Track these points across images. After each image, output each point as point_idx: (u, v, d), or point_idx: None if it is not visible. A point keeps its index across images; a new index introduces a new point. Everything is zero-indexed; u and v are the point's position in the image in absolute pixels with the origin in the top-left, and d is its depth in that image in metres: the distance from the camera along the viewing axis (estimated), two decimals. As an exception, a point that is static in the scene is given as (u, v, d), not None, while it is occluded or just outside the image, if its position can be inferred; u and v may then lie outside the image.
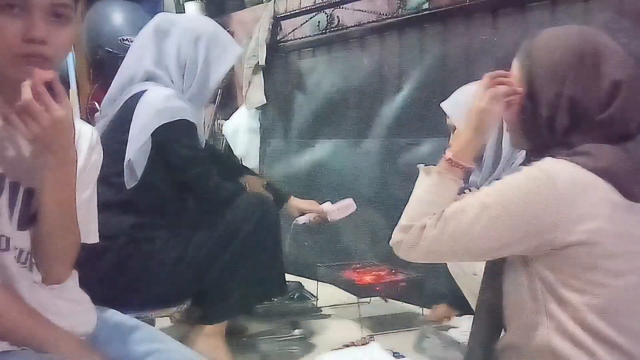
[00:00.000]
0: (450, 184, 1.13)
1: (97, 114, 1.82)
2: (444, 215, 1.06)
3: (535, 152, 1.11)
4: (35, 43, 0.86)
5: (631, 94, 1.04)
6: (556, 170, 1.01)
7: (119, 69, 1.72)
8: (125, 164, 1.56)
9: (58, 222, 0.95)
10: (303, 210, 1.99)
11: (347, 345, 1.80)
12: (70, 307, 1.02)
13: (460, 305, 1.93)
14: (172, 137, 1.60)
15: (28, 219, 0.94)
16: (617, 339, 0.95)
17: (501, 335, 1.13)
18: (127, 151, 1.56)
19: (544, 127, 1.08)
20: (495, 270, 1.11)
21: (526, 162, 1.13)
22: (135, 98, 1.60)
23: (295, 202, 1.98)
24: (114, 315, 1.13)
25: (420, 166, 1.16)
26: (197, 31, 1.70)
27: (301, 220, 1.97)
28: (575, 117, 1.05)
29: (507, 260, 1.08)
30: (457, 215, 1.05)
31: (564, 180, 1.00)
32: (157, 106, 1.57)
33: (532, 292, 1.02)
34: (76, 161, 0.94)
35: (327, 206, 2.02)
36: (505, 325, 1.11)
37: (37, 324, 0.92)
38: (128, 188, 1.58)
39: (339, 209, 2.01)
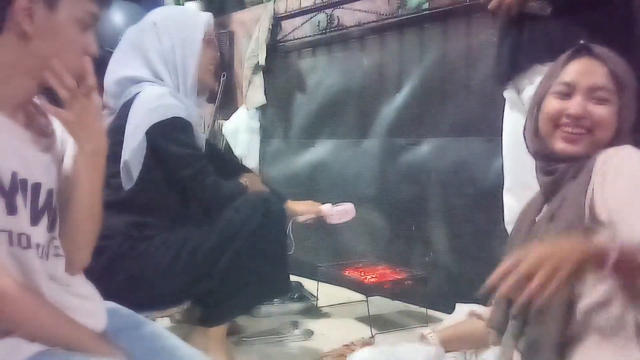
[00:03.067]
0: None
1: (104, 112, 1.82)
2: None
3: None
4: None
5: None
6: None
7: (111, 63, 1.71)
8: (121, 165, 1.56)
9: (89, 207, 1.01)
10: (300, 213, 1.94)
11: (347, 345, 1.79)
12: (81, 304, 1.02)
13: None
14: (165, 135, 1.58)
15: (38, 214, 0.95)
16: None
17: None
18: (122, 152, 1.55)
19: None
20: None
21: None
22: (131, 100, 1.60)
23: (292, 206, 1.92)
24: (120, 310, 1.13)
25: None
26: (158, 27, 1.67)
27: (301, 218, 1.95)
28: None
29: None
30: None
31: None
32: (149, 105, 1.57)
33: None
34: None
35: (327, 208, 1.98)
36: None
37: (65, 324, 0.93)
38: (126, 189, 1.57)
39: (339, 213, 1.98)
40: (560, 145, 1.10)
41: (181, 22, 1.70)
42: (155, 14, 1.73)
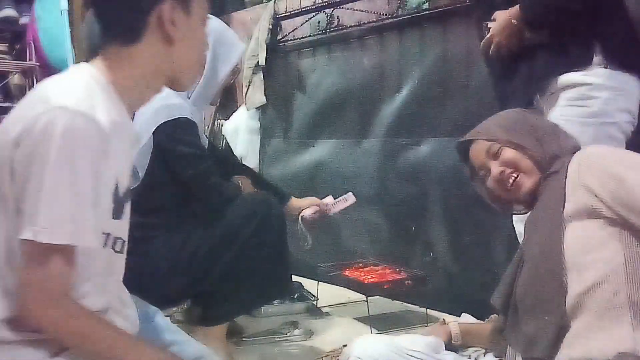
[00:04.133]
0: None
1: None
2: None
3: None
4: None
5: None
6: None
7: None
8: None
9: None
10: (304, 207, 1.95)
11: (347, 345, 1.79)
12: (122, 309, 1.05)
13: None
14: (171, 135, 1.60)
15: (120, 208, 0.99)
16: None
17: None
18: None
19: None
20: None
21: None
22: None
23: (295, 202, 1.95)
24: (138, 301, 1.18)
25: None
26: None
27: (306, 212, 1.93)
28: None
29: None
30: None
31: None
32: (155, 105, 1.57)
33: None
34: None
35: (328, 200, 1.99)
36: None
37: (129, 344, 0.94)
38: (131, 189, 1.57)
39: (340, 202, 2.00)
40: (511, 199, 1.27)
41: (231, 43, 1.75)
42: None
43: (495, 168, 1.24)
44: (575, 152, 1.17)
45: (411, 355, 1.24)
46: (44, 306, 0.86)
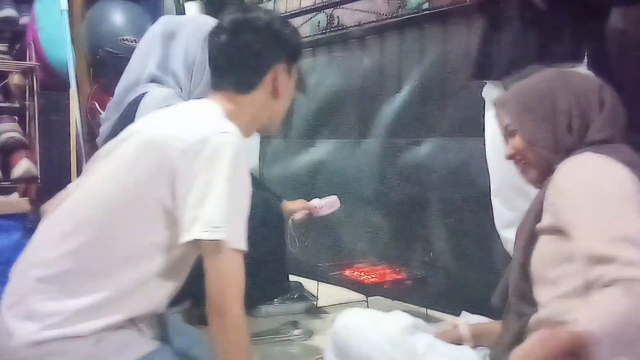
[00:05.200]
0: None
1: (101, 116, 1.82)
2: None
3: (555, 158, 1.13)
4: None
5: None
6: (610, 155, 1.02)
7: (124, 72, 1.72)
8: None
9: None
10: (296, 210, 2.02)
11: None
12: None
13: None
14: None
15: None
16: None
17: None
18: None
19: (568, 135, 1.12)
20: (527, 250, 1.09)
21: None
22: (137, 100, 1.60)
23: (288, 205, 2.00)
24: None
25: None
26: (203, 31, 1.70)
27: (296, 216, 2.00)
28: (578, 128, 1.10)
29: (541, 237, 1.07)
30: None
31: (624, 163, 1.00)
32: (157, 106, 1.57)
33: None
34: None
35: (315, 202, 2.06)
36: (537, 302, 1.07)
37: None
38: None
39: (325, 205, 2.07)
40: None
41: None
42: (206, 23, 1.74)
43: (508, 148, 1.21)
44: (596, 146, 1.08)
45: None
46: (238, 299, 1.04)
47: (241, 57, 1.20)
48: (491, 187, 1.81)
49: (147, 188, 1.05)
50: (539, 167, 1.17)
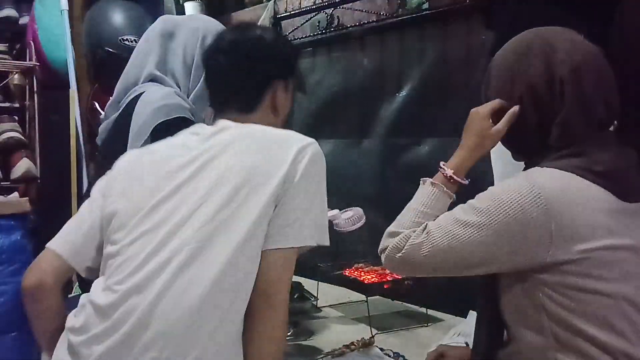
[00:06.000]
0: (443, 198, 1.18)
1: (101, 116, 1.82)
2: (428, 227, 1.05)
3: (529, 165, 1.10)
4: None
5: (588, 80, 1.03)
6: (543, 180, 0.97)
7: (123, 71, 1.72)
8: None
9: None
10: None
11: (347, 346, 1.80)
12: None
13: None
14: (170, 135, 1.59)
15: None
16: (617, 345, 0.93)
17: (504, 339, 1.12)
18: (127, 150, 1.56)
19: (530, 134, 1.10)
20: (490, 282, 1.11)
21: None
22: (135, 99, 1.60)
23: None
24: None
25: (424, 179, 1.22)
26: (202, 31, 1.70)
27: None
28: (542, 113, 1.06)
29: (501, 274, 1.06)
30: (440, 230, 1.05)
31: (550, 191, 0.95)
32: (154, 105, 1.57)
33: (530, 305, 0.99)
34: None
35: (334, 213, 1.95)
36: (508, 331, 1.09)
37: None
38: None
39: (349, 220, 1.95)
40: None
41: None
42: (205, 23, 1.75)
43: None
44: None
45: None
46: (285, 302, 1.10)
47: (242, 79, 1.22)
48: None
49: (262, 225, 1.04)
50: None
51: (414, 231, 1.08)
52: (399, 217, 1.16)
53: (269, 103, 1.23)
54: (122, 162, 1.25)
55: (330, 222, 1.91)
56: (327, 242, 1.12)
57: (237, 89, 1.22)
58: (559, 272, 0.94)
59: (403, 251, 1.08)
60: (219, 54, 1.23)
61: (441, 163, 1.22)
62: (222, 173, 1.06)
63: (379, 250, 1.15)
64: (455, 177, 1.19)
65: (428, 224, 1.08)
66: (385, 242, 1.14)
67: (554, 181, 0.97)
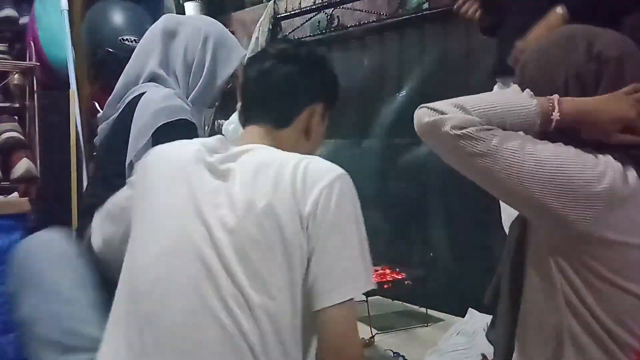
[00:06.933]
0: (533, 118, 0.97)
1: (99, 115, 1.82)
2: (498, 131, 0.95)
3: None
4: None
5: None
6: (616, 168, 0.94)
7: (124, 71, 1.72)
8: (126, 165, 1.56)
9: None
10: None
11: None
12: None
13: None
14: (171, 136, 1.59)
15: None
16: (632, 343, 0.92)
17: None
18: (128, 153, 1.55)
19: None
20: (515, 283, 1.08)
21: None
22: (136, 99, 1.60)
23: None
24: None
25: (527, 90, 1.01)
26: (205, 32, 1.69)
27: None
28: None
29: (531, 254, 1.05)
30: (510, 142, 0.94)
31: (614, 175, 0.93)
32: (155, 106, 1.57)
33: (553, 286, 0.97)
34: None
35: None
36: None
37: None
38: None
39: None
40: None
41: (231, 47, 1.73)
42: (207, 24, 1.74)
43: None
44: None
45: None
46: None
47: (285, 88, 1.14)
48: None
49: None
50: None
51: (482, 124, 0.96)
52: (471, 99, 1.01)
53: (303, 123, 1.16)
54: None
55: None
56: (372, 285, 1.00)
57: (275, 99, 1.15)
58: (599, 253, 0.93)
59: (463, 131, 0.97)
60: (267, 59, 1.16)
61: (555, 96, 0.98)
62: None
63: (424, 112, 1.09)
64: (557, 124, 0.96)
65: (499, 131, 0.95)
66: (445, 107, 1.01)
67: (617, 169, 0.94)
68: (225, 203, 0.97)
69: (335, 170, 1.08)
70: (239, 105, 1.22)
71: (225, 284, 0.92)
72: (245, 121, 1.18)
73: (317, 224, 0.97)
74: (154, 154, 1.16)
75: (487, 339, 1.20)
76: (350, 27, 2.71)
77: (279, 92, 1.14)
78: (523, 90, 1.03)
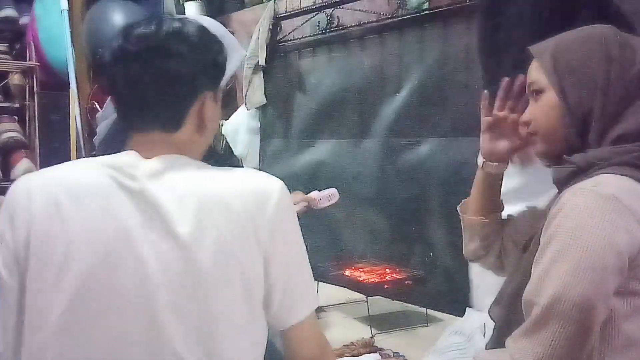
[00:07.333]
0: None
1: (98, 115, 1.82)
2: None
3: (567, 178, 1.00)
4: None
5: None
6: (615, 186, 0.91)
7: None
8: None
9: None
10: (294, 203, 1.98)
11: (347, 346, 1.80)
12: None
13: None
14: None
15: None
16: None
17: None
18: None
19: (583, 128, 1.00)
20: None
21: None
22: None
23: None
24: None
25: None
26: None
27: (296, 208, 1.97)
28: (615, 112, 0.98)
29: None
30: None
31: (628, 196, 0.89)
32: None
33: None
34: None
35: (314, 194, 2.03)
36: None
37: None
38: None
39: (324, 197, 2.03)
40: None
41: (231, 48, 1.72)
42: (209, 25, 1.74)
43: (525, 114, 1.12)
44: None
45: None
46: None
47: (165, 90, 0.95)
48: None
49: None
50: (550, 143, 1.07)
51: None
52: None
53: (195, 118, 0.99)
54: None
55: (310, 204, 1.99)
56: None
57: (158, 102, 0.96)
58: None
59: None
60: (131, 58, 0.94)
61: None
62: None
63: None
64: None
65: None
66: None
67: (624, 186, 0.92)
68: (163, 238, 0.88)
69: (277, 182, 0.99)
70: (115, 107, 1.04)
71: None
72: (128, 128, 0.99)
73: (273, 244, 0.93)
74: (38, 191, 0.97)
75: (489, 315, 1.20)
76: (350, 27, 2.71)
77: (161, 96, 0.95)
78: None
